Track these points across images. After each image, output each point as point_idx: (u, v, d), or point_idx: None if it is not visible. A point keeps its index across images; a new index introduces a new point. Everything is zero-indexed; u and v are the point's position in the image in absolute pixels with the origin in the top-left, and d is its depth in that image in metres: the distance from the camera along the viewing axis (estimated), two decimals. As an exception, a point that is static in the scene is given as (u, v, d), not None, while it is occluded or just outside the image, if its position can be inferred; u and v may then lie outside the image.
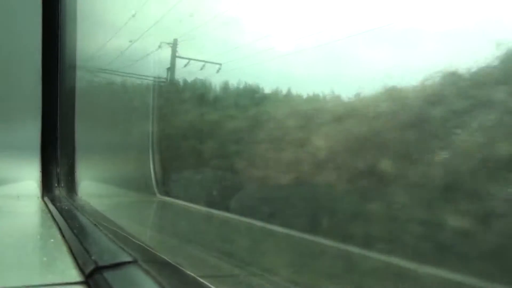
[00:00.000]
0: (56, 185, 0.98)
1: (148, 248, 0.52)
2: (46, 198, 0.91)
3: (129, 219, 0.88)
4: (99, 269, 0.36)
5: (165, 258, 0.44)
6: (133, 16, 1.00)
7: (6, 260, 0.45)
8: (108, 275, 0.36)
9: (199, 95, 0.93)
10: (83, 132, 1.05)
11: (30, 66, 0.97)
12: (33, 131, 0.98)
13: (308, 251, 0.54)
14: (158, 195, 1.15)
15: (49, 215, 0.72)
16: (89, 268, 0.37)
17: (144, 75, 1.11)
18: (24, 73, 0.98)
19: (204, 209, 0.83)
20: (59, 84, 1.01)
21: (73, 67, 1.05)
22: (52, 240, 0.53)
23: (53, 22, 1.00)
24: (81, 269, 0.39)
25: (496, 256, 0.34)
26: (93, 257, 0.39)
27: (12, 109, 0.98)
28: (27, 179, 0.96)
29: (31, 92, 0.97)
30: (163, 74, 1.03)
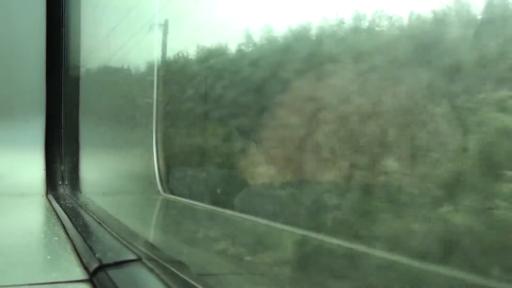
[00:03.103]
0: (60, 183, 0.98)
1: (152, 246, 0.52)
2: (50, 196, 0.92)
3: (133, 217, 0.88)
4: (103, 267, 0.36)
5: (169, 256, 0.44)
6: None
7: (10, 258, 0.45)
8: (112, 273, 0.36)
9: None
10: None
11: (34, 62, 0.98)
12: (37, 128, 0.98)
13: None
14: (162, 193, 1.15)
15: (53, 213, 0.72)
16: (93, 266, 0.37)
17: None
18: (28, 70, 0.98)
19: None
20: (64, 81, 1.01)
21: (77, 63, 1.05)
22: (56, 238, 0.53)
23: (58, 18, 1.00)
24: (85, 267, 0.39)
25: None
26: (97, 255, 0.39)
27: (16, 106, 0.98)
28: (31, 176, 0.97)
29: (35, 88, 0.98)
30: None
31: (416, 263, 0.47)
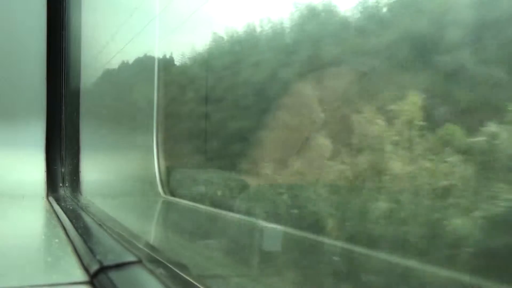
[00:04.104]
0: (60, 184, 0.98)
1: (152, 248, 0.52)
2: (51, 198, 0.92)
3: (133, 218, 0.88)
4: (103, 269, 0.36)
5: (170, 258, 0.44)
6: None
7: (11, 260, 0.45)
8: (113, 275, 0.36)
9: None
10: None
11: (34, 63, 0.98)
12: (37, 130, 0.98)
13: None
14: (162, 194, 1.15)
15: (53, 214, 0.72)
16: (94, 268, 0.37)
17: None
18: (28, 71, 0.98)
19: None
20: (64, 82, 1.01)
21: (78, 65, 1.05)
22: (56, 240, 0.53)
23: (58, 19, 1.00)
24: (85, 269, 0.39)
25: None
26: (97, 257, 0.39)
27: (17, 107, 0.98)
28: (32, 178, 0.97)
29: (36, 90, 0.98)
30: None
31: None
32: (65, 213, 0.68)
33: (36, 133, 0.98)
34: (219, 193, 0.98)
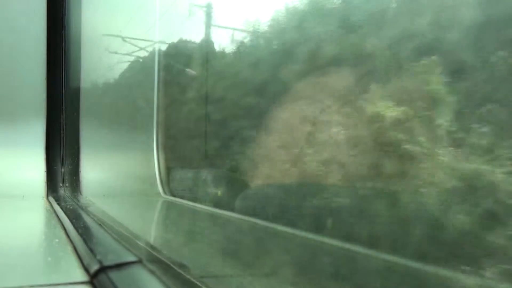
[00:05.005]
0: (60, 184, 0.98)
1: (152, 248, 0.52)
2: (50, 198, 0.92)
3: (133, 218, 0.88)
4: (104, 269, 0.36)
5: (170, 258, 0.44)
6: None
7: (11, 260, 0.45)
8: (113, 275, 0.36)
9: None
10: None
11: (34, 63, 0.98)
12: (37, 130, 0.98)
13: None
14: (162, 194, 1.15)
15: (53, 214, 0.72)
16: (94, 268, 0.37)
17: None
18: (28, 71, 0.98)
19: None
20: (64, 82, 1.01)
21: (78, 64, 1.05)
22: (57, 240, 0.53)
23: (58, 19, 1.00)
24: (86, 269, 0.39)
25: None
26: (98, 257, 0.39)
27: (17, 107, 0.98)
28: (32, 178, 0.97)
29: (36, 90, 0.98)
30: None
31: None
32: (65, 213, 0.68)
33: (36, 133, 0.98)
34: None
